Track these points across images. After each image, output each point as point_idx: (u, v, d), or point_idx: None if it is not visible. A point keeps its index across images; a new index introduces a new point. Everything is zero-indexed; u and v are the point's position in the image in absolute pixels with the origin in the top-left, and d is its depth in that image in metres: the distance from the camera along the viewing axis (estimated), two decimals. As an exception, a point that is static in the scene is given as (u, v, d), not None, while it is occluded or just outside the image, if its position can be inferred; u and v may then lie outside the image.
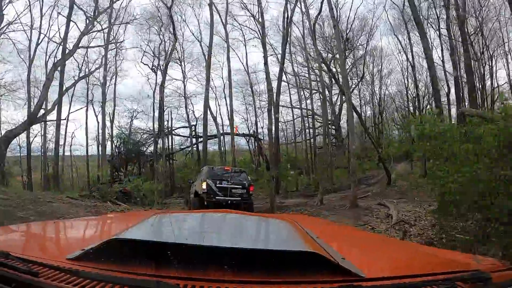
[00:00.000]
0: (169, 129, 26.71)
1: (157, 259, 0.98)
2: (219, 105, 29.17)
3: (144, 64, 25.29)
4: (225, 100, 25.25)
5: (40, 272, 0.88)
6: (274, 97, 16.75)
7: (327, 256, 1.01)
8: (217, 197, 11.18)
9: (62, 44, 17.79)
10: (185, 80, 26.25)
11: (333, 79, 23.99)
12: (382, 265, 1.20)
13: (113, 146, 24.58)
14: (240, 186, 11.76)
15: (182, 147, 28.49)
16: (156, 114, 24.19)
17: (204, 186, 11.27)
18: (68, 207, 9.90)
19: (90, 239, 1.29)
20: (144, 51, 25.19)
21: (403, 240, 5.99)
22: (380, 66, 30.85)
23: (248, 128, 30.95)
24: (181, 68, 26.75)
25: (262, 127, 29.57)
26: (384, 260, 1.31)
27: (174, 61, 25.72)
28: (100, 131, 22.23)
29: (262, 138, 29.23)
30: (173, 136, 28.05)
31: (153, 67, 24.96)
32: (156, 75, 24.89)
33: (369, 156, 27.64)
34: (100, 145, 19.48)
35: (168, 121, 26.85)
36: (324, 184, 14.33)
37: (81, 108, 25.54)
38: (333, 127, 26.44)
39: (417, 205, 10.18)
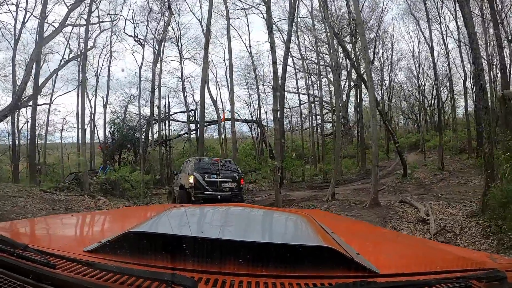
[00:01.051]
0: (166, 114, 25.40)
1: (172, 252, 1.02)
2: (219, 89, 27.24)
3: (129, 35, 23.59)
4: (227, 83, 23.87)
5: (58, 264, 0.92)
6: (280, 73, 14.87)
7: (341, 251, 1.03)
8: (205, 192, 10.62)
9: (40, 20, 15.72)
10: (182, 61, 24.10)
11: (347, 60, 23.09)
12: (396, 261, 1.21)
13: (106, 132, 22.78)
14: (231, 180, 11.21)
15: (179, 133, 27.32)
16: (147, 96, 22.54)
17: (191, 180, 10.69)
18: (33, 203, 9.16)
19: (107, 232, 1.32)
20: (125, 19, 23.58)
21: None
22: (390, 51, 30.14)
23: (251, 114, 30.03)
24: (178, 49, 24.86)
25: (266, 112, 27.88)
26: (398, 256, 1.32)
27: (171, 41, 23.63)
28: (88, 117, 20.49)
29: (265, 124, 27.85)
30: (170, 122, 27.21)
31: (139, 39, 23.27)
32: (143, 47, 23.60)
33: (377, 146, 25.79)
34: (83, 131, 17.65)
35: (165, 105, 25.86)
36: (336, 176, 13.46)
37: (70, 91, 23.32)
38: (341, 114, 24.53)
39: (448, 204, 9.22)
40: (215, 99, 25.15)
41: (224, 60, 26.29)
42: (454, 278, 0.92)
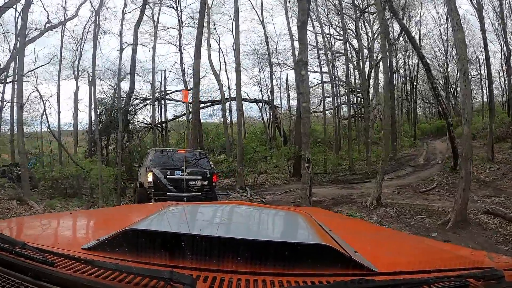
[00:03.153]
0: (163, 93, 23.93)
1: (171, 250, 1.06)
2: (225, 62, 23.79)
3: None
4: (234, 56, 20.17)
5: (56, 261, 0.97)
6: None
7: (339, 250, 1.09)
8: (168, 194, 9.08)
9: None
10: (181, 28, 20.74)
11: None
12: (394, 259, 1.27)
13: (91, 115, 19.92)
14: (200, 177, 9.67)
15: (176, 114, 25.51)
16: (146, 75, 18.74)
17: (149, 178, 9.23)
18: None
19: (105, 229, 1.31)
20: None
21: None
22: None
23: (262, 93, 27.62)
24: (177, 14, 23.40)
25: (279, 91, 24.46)
26: (396, 255, 1.39)
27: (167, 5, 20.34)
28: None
29: (279, 106, 24.34)
30: (167, 103, 25.14)
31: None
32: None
33: (399, 132, 25.34)
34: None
35: (161, 83, 23.93)
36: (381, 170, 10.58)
37: (46, 63, 21.61)
38: (360, 96, 24.01)
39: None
40: (219, 74, 21.62)
41: (232, 33, 23.43)
42: (452, 277, 0.96)
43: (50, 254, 0.98)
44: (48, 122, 18.70)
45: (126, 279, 0.91)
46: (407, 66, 29.90)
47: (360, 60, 22.34)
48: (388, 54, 22.19)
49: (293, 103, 27.04)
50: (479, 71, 27.23)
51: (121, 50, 20.29)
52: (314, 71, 24.94)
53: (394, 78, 26.79)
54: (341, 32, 23.54)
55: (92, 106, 21.28)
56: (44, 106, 19.21)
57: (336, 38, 25.36)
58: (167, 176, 9.20)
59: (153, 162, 9.48)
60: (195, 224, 1.53)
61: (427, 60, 18.02)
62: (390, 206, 9.12)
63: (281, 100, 27.41)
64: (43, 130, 22.89)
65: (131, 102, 21.10)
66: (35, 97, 21.65)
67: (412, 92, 30.44)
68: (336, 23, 24.61)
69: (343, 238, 1.32)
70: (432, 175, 14.76)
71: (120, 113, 15.12)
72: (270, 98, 26.09)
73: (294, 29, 22.32)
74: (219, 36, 25.96)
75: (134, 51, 20.03)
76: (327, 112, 26.06)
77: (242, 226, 1.63)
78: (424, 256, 1.39)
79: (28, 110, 21.83)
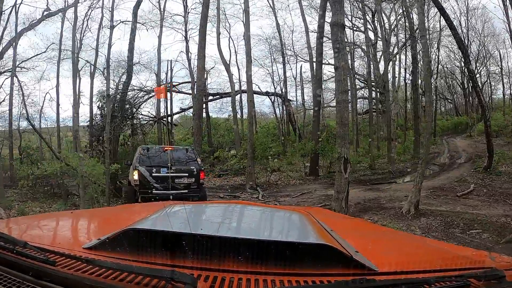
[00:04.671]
0: (168, 85, 21.32)
1: (172, 249, 1.09)
2: (235, 52, 22.91)
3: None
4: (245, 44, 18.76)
5: (57, 261, 0.99)
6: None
7: (340, 249, 1.12)
8: (154, 191, 9.19)
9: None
10: (186, 14, 19.72)
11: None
12: (395, 259, 1.29)
13: (92, 108, 19.40)
14: (187, 174, 9.76)
15: (183, 107, 25.02)
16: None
17: (135, 175, 9.37)
18: None
19: (106, 229, 1.36)
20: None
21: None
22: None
23: (274, 85, 26.35)
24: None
25: (292, 84, 23.33)
26: (397, 255, 1.42)
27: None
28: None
29: (292, 99, 25.62)
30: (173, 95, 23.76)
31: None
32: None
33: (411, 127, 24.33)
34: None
35: (166, 74, 23.51)
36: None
37: (42, 52, 20.73)
38: (378, 89, 22.53)
39: None
40: (228, 63, 20.63)
41: (242, 22, 22.20)
42: (452, 277, 0.98)
43: (51, 253, 1.02)
44: (27, 113, 17.60)
45: (127, 279, 0.94)
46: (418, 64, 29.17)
47: (378, 53, 21.60)
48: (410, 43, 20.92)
49: (306, 98, 26.59)
50: (500, 66, 26.76)
51: (112, 27, 19.09)
52: (329, 64, 23.72)
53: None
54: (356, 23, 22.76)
55: (95, 99, 20.43)
56: (23, 96, 18.82)
57: (355, 29, 24.51)
58: (153, 174, 9.33)
59: (139, 159, 9.65)
60: (196, 223, 1.55)
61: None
62: (430, 215, 7.96)
63: (296, 93, 26.36)
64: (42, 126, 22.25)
65: (136, 94, 20.01)
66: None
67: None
68: (352, 13, 23.81)
69: (344, 238, 1.36)
70: (463, 176, 13.47)
71: (109, 100, 14.09)
72: (283, 91, 25.16)
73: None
74: (229, 24, 25.15)
75: (133, 30, 17.80)
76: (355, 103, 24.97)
77: (243, 226, 1.68)
78: (425, 256, 1.41)
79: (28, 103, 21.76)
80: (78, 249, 1.09)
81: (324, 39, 18.23)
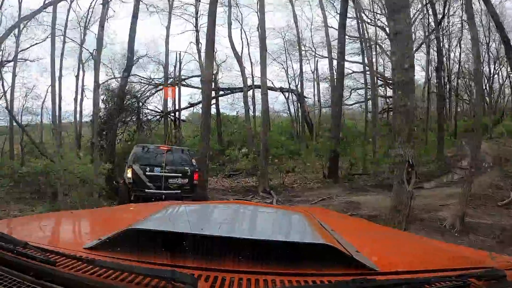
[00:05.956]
0: (177, 78, 21.92)
1: (173, 249, 1.10)
2: (248, 44, 21.68)
3: None
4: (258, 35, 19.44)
5: (58, 261, 1.00)
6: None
7: (341, 249, 1.13)
8: (146, 190, 9.29)
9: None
10: (197, 2, 18.65)
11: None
12: (395, 259, 1.31)
13: (95, 102, 17.81)
14: (180, 174, 9.74)
15: (192, 102, 23.43)
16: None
17: (129, 174, 9.46)
18: None
19: (106, 229, 1.36)
20: None
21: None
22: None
23: (289, 82, 25.16)
24: None
25: (307, 79, 22.19)
26: (398, 254, 1.43)
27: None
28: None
29: (309, 97, 24.36)
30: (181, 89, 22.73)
31: None
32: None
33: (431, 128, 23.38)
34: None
35: (175, 66, 21.98)
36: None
37: (42, 41, 19.42)
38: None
39: None
40: (240, 55, 19.56)
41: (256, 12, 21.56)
42: (453, 277, 0.98)
43: (52, 253, 1.03)
44: (6, 102, 17.71)
45: (127, 279, 0.95)
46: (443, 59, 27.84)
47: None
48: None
49: (322, 94, 25.99)
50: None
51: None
52: (348, 61, 22.84)
53: (429, 70, 24.86)
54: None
55: (101, 92, 19.58)
56: (3, 87, 18.42)
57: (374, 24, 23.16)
58: (146, 173, 9.50)
59: (134, 158, 9.88)
60: (196, 223, 1.54)
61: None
62: (478, 230, 6.97)
63: (313, 89, 25.23)
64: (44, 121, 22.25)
65: (142, 87, 19.16)
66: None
67: (450, 85, 28.37)
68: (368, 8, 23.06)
69: (344, 238, 1.37)
70: (495, 181, 12.36)
71: (98, 88, 13.23)
72: (299, 87, 24.18)
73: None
74: (241, 14, 23.54)
75: (135, 11, 16.22)
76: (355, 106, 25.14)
77: (243, 226, 1.69)
78: (426, 255, 1.43)
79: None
80: (79, 249, 1.11)
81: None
